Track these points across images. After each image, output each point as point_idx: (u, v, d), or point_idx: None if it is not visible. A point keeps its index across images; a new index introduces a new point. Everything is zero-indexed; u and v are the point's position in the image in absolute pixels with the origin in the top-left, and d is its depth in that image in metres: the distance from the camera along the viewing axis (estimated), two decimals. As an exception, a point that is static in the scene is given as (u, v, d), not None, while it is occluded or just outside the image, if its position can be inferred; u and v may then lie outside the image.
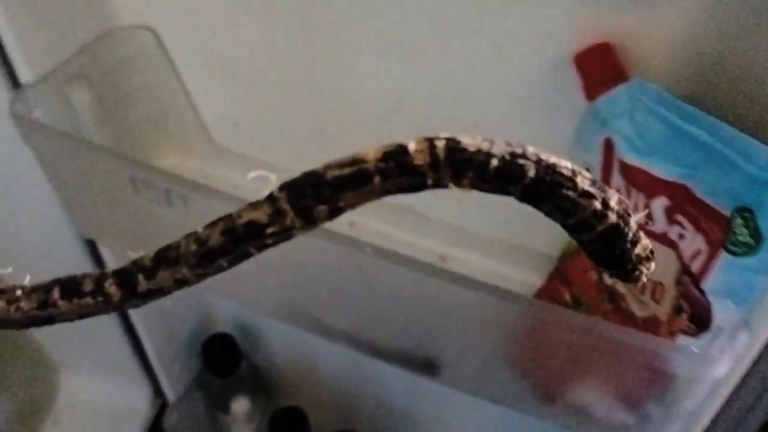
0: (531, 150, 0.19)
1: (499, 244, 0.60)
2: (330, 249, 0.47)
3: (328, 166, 0.19)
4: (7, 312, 0.22)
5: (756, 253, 0.38)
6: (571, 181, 0.19)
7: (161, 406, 1.07)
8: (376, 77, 0.55)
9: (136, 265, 0.21)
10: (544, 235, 0.56)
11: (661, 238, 0.44)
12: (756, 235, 0.37)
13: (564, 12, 0.44)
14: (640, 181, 0.44)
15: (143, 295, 0.21)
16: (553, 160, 0.19)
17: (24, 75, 0.55)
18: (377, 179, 0.19)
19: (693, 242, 0.42)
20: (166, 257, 0.21)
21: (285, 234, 0.20)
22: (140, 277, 0.21)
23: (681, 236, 0.43)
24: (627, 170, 0.44)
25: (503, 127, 0.52)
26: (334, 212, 0.19)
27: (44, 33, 0.56)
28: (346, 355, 0.84)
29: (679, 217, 0.43)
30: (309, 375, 0.92)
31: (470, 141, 0.19)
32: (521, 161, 0.18)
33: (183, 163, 0.70)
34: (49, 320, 0.22)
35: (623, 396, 0.50)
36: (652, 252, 0.21)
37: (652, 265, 0.22)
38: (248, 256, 0.20)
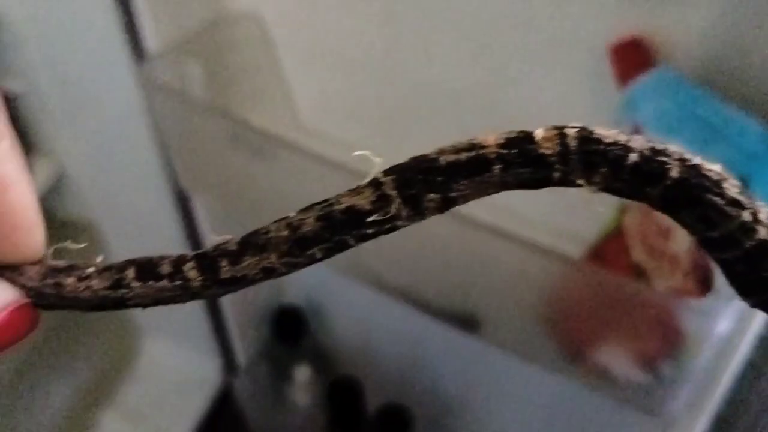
0: (673, 147, 0.17)
1: (537, 224, 0.67)
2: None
3: (442, 151, 0.18)
4: (76, 290, 0.20)
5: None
6: (719, 186, 0.17)
7: (230, 374, 1.17)
8: (449, 65, 0.64)
9: (220, 250, 0.19)
10: (581, 218, 0.63)
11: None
12: (750, 201, 0.44)
13: (600, 7, 0.52)
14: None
15: (225, 283, 0.19)
16: (697, 160, 0.17)
17: (150, 45, 0.66)
18: (497, 168, 0.17)
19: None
20: (254, 242, 0.19)
21: (388, 224, 0.18)
22: (223, 262, 0.19)
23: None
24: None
25: (548, 115, 0.60)
26: (446, 203, 0.18)
27: (166, 15, 0.68)
28: (402, 334, 0.92)
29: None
30: (366, 349, 1.00)
31: (605, 132, 0.17)
32: (663, 158, 0.17)
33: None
34: (120, 303, 0.20)
35: (640, 356, 0.56)
36: None
37: None
38: (345, 246, 0.19)
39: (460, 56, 0.63)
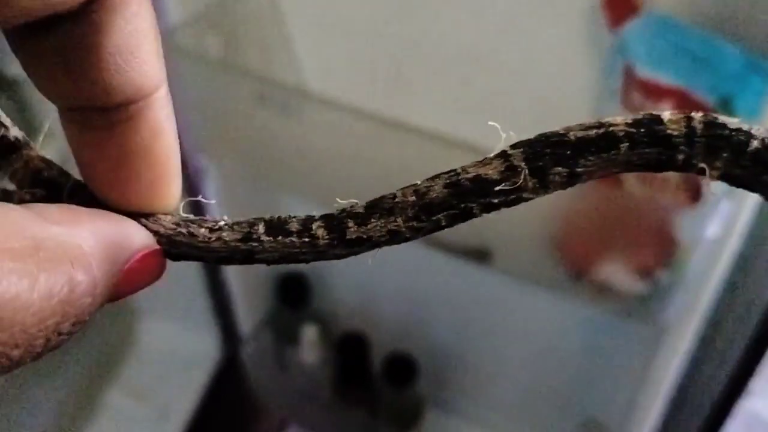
0: None
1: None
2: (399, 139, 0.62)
3: (570, 128, 0.19)
4: (207, 240, 0.20)
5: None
6: None
7: (234, 347, 1.21)
8: (450, 24, 0.71)
9: (346, 212, 0.20)
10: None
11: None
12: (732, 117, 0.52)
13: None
14: (651, 91, 0.58)
15: (352, 243, 0.20)
16: None
17: (173, 16, 0.72)
18: (624, 146, 0.18)
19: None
20: (381, 205, 0.20)
21: (514, 194, 0.19)
22: (350, 223, 0.20)
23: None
24: (641, 85, 0.59)
25: (549, 65, 0.67)
26: (572, 178, 0.18)
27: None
28: (403, 282, 0.99)
29: (680, 116, 0.57)
30: (370, 302, 1.06)
31: (729, 119, 0.18)
32: None
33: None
34: (249, 256, 0.20)
35: (638, 267, 0.64)
36: None
37: None
38: (470, 215, 0.19)
39: (461, 14, 0.70)
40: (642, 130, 0.18)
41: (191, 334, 1.25)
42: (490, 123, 0.20)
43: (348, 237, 0.20)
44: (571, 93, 0.69)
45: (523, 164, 0.18)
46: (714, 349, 0.78)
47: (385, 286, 1.03)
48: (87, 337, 1.17)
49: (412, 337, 1.03)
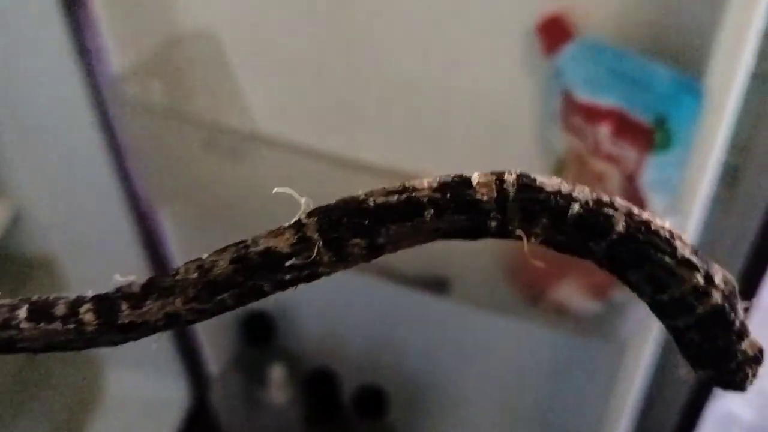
0: (620, 201, 0.16)
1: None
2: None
3: (371, 193, 0.17)
4: None
5: (670, 150, 0.54)
6: (669, 244, 0.16)
7: (202, 391, 1.20)
8: (393, 59, 0.71)
9: (121, 292, 0.18)
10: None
11: (609, 158, 0.60)
12: (668, 135, 0.53)
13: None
14: (589, 114, 0.59)
15: (125, 328, 0.18)
16: (646, 215, 0.16)
17: (117, 65, 0.72)
18: (429, 213, 0.16)
19: (630, 153, 0.58)
20: (159, 284, 0.18)
21: (308, 269, 0.17)
22: (124, 306, 0.18)
23: (622, 152, 0.59)
24: (580, 108, 0.60)
25: (489, 95, 0.68)
26: (372, 250, 0.17)
27: (125, 37, 0.73)
28: (369, 315, 0.99)
29: (620, 137, 0.58)
30: (336, 337, 1.06)
31: (547, 180, 0.16)
32: (609, 211, 0.16)
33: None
34: (9, 345, 0.18)
35: (592, 288, 0.65)
36: (761, 351, 0.18)
37: (762, 369, 0.18)
38: (260, 294, 0.18)
39: (404, 46, 0.70)
40: (448, 195, 0.16)
41: (159, 381, 1.23)
42: (278, 190, 0.18)
43: (120, 322, 0.18)
44: (517, 118, 0.70)
45: (316, 235, 0.17)
46: (678, 357, 0.79)
47: (350, 320, 1.03)
48: (53, 390, 1.15)
49: (381, 369, 1.03)
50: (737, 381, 0.18)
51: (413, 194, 0.16)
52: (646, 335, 0.66)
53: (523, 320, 0.70)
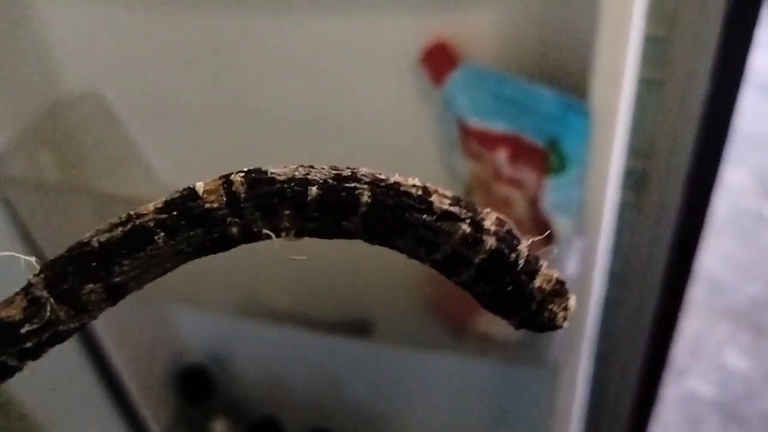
0: (364, 170, 0.16)
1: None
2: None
3: (97, 231, 0.16)
4: None
5: (566, 172, 0.52)
6: (423, 201, 0.15)
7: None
8: (285, 98, 0.69)
9: None
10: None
11: (512, 182, 0.59)
12: (562, 157, 0.52)
13: (405, 22, 0.59)
14: (484, 140, 0.58)
15: None
16: (395, 179, 0.15)
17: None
18: (160, 237, 0.15)
19: (529, 176, 0.56)
20: None
21: (48, 331, 0.15)
22: None
23: (522, 176, 0.57)
24: (474, 134, 0.58)
25: (383, 124, 0.67)
26: (113, 291, 0.15)
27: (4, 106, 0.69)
28: (307, 359, 0.96)
29: (517, 161, 0.57)
30: (278, 384, 1.03)
31: (280, 169, 0.15)
32: (351, 184, 0.15)
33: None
34: None
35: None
36: (561, 282, 0.17)
37: (571, 301, 0.17)
38: (9, 370, 0.16)
39: (296, 90, 0.68)
40: (175, 213, 0.16)
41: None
42: (18, 255, 0.16)
43: None
44: (421, 148, 0.68)
45: (45, 293, 0.15)
46: (616, 368, 0.78)
47: (289, 366, 1.00)
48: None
49: (326, 412, 1.00)
50: (547, 320, 0.17)
51: (137, 221, 0.15)
52: (577, 355, 0.65)
53: (454, 353, 0.68)
